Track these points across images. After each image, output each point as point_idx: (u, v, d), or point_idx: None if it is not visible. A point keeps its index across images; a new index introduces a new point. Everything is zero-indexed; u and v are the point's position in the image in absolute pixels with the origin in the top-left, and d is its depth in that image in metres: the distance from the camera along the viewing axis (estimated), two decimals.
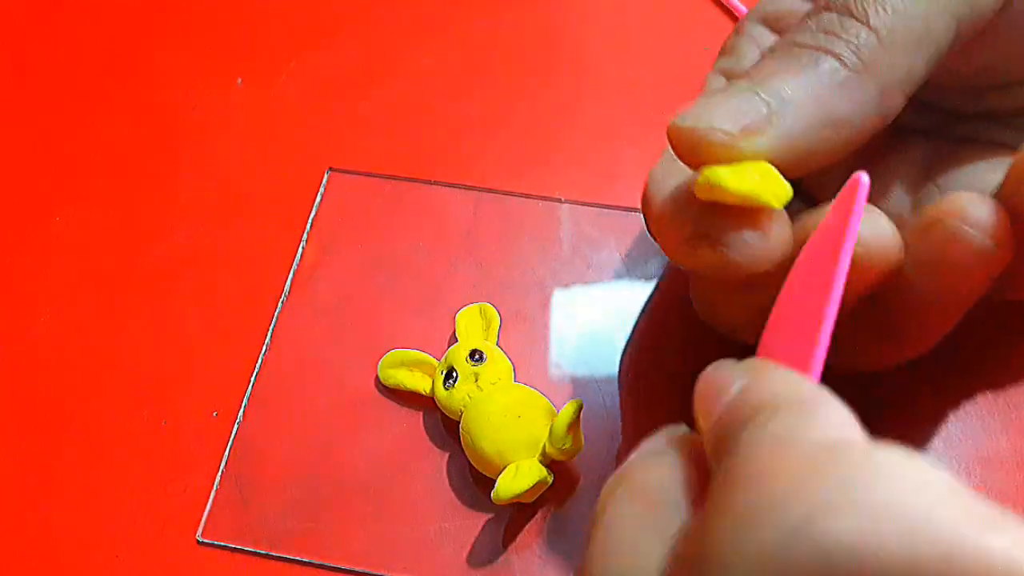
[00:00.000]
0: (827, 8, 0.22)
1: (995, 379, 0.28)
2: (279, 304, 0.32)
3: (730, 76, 0.26)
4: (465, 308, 0.30)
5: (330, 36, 0.39)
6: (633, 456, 0.18)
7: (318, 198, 0.34)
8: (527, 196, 0.33)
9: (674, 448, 0.17)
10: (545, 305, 0.31)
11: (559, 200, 0.33)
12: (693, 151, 0.20)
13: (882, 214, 0.21)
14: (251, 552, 0.28)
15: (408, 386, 0.29)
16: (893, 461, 0.13)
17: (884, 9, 0.21)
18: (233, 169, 0.36)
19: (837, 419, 0.15)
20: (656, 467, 0.17)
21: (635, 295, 0.31)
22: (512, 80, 0.37)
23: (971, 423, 0.28)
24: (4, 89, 0.39)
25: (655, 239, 0.23)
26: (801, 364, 0.16)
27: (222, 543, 0.28)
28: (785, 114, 0.20)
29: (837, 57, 0.21)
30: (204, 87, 0.38)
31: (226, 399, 0.30)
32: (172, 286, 0.33)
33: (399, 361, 0.29)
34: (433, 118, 0.36)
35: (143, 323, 0.32)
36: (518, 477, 0.25)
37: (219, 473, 0.29)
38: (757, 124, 0.20)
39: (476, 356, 0.28)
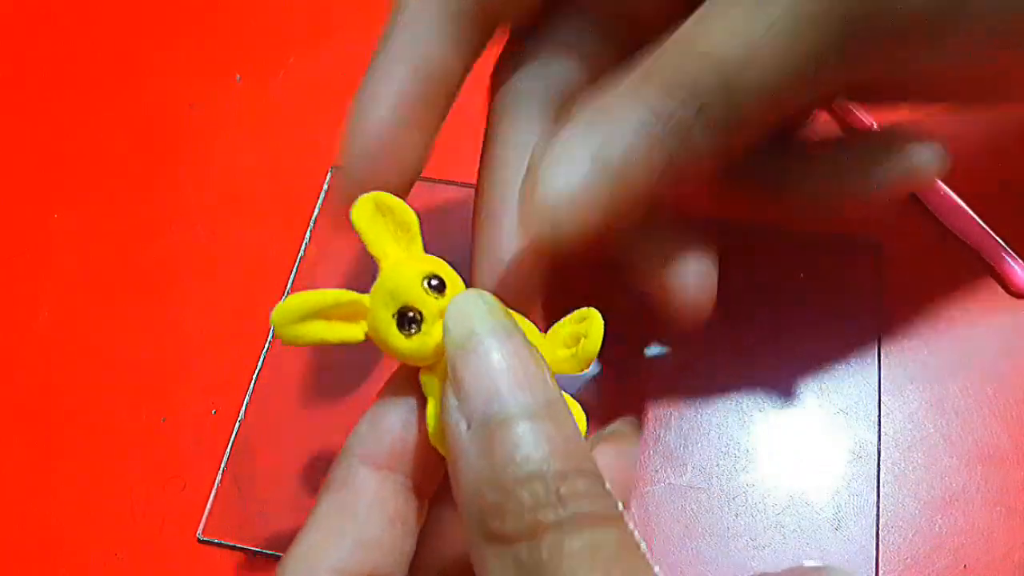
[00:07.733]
0: None
1: (996, 375, 0.29)
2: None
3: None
4: (358, 204, 0.21)
5: (329, 32, 0.38)
6: None
7: (321, 196, 0.34)
8: None
9: None
10: None
11: None
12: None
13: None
14: (251, 550, 0.28)
15: (332, 340, 0.20)
16: None
17: None
18: (234, 166, 0.35)
19: None
20: None
21: None
22: None
23: (971, 420, 0.28)
24: (2, 87, 0.39)
25: None
26: None
27: (222, 541, 0.28)
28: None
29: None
30: (202, 84, 0.38)
31: (226, 396, 0.30)
32: (172, 283, 0.33)
33: (308, 310, 0.19)
34: None
35: (143, 321, 0.32)
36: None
37: (220, 471, 0.29)
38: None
39: (435, 283, 0.20)
